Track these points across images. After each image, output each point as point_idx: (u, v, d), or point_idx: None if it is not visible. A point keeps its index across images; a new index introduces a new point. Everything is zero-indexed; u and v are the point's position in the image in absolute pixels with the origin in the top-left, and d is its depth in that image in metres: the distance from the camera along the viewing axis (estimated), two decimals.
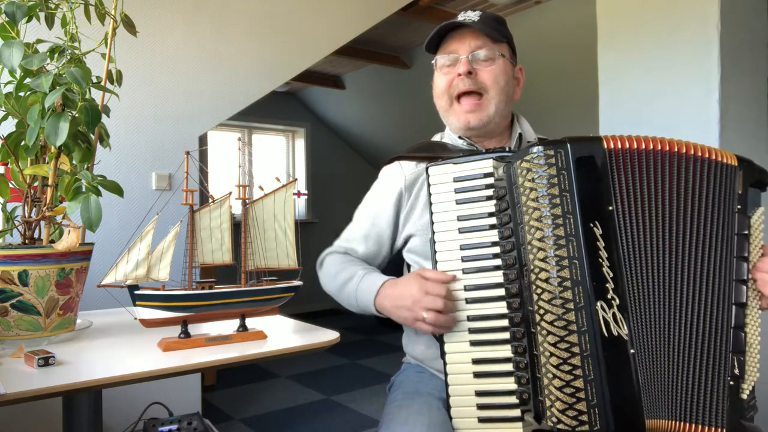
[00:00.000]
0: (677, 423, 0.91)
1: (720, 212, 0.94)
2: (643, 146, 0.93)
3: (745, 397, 0.92)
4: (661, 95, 1.91)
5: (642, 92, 1.97)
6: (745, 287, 0.94)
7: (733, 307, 0.93)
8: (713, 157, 0.94)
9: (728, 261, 0.93)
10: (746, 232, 0.94)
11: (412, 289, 1.00)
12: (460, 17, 1.17)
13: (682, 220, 0.93)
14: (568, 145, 0.92)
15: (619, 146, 0.92)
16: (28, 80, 1.05)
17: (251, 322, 1.15)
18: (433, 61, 1.22)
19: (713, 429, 0.91)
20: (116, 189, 1.09)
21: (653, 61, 1.93)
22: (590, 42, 2.19)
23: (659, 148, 0.93)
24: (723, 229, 0.93)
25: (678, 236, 0.92)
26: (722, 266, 0.93)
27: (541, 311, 0.91)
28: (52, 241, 1.08)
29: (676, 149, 0.93)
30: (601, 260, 0.89)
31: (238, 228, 1.09)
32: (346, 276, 1.18)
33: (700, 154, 0.94)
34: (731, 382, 0.91)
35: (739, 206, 0.94)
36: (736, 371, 0.91)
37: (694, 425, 0.91)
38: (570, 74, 3.48)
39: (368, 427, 2.78)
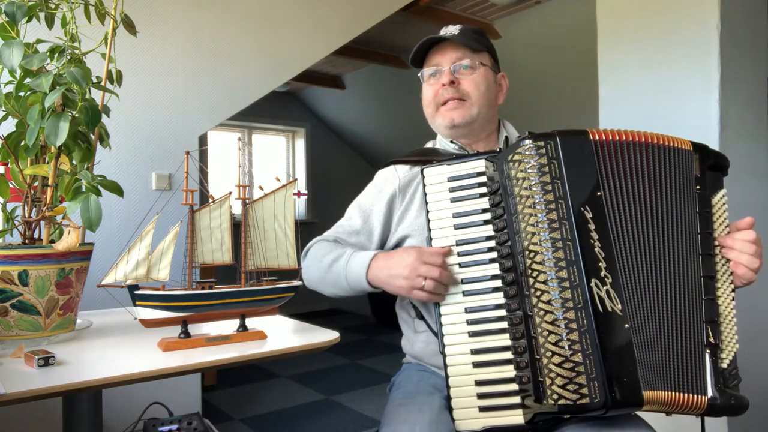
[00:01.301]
0: (670, 393, 0.94)
1: (682, 193, 1.01)
2: (623, 138, 1.00)
3: (725, 366, 0.97)
4: (661, 95, 1.91)
5: (642, 92, 1.97)
6: (712, 260, 1.01)
7: (702, 279, 0.99)
8: (671, 144, 1.02)
9: (693, 237, 1.01)
10: (709, 209, 1.02)
11: (409, 258, 1.04)
12: (442, 32, 1.26)
13: (656, 202, 1.00)
14: (557, 137, 0.98)
15: (603, 137, 1.00)
16: (28, 80, 1.05)
17: (251, 322, 1.15)
18: (419, 74, 1.30)
19: (696, 396, 0.94)
20: (116, 189, 1.09)
21: (653, 61, 1.93)
22: (590, 42, 2.19)
23: (635, 139, 1.01)
24: (687, 208, 1.01)
25: (654, 217, 0.99)
26: (689, 242, 1.00)
27: (538, 293, 0.95)
28: (52, 241, 1.08)
29: (647, 140, 1.01)
30: (592, 241, 0.95)
31: (238, 228, 1.09)
32: (334, 256, 1.18)
33: (662, 142, 1.02)
34: (708, 351, 0.96)
35: (698, 186, 1.02)
36: (712, 340, 0.97)
37: (681, 394, 0.94)
38: (570, 74, 3.48)
39: (368, 427, 2.78)
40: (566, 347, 0.91)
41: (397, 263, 1.06)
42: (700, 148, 1.04)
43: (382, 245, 1.28)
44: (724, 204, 1.03)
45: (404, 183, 1.26)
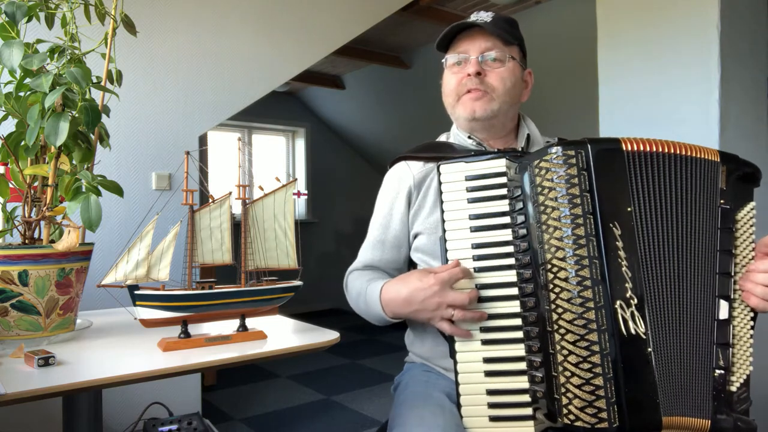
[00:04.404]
0: (687, 418, 0.92)
1: (705, 207, 0.96)
2: (654, 148, 0.95)
3: (734, 389, 0.93)
4: (661, 95, 1.91)
5: (642, 92, 1.97)
6: (730, 281, 0.96)
7: (718, 299, 0.95)
8: (697, 154, 0.97)
9: (713, 255, 0.96)
10: (731, 226, 0.97)
11: (431, 287, 0.97)
12: (473, 17, 1.18)
13: (681, 218, 0.95)
14: (589, 146, 0.93)
15: (635, 148, 0.94)
16: (28, 80, 1.05)
17: (251, 322, 1.15)
18: (443, 60, 1.22)
19: (700, 420, 0.92)
20: (116, 189, 1.09)
21: (653, 60, 1.93)
22: (590, 42, 2.19)
23: (665, 150, 0.95)
24: (709, 224, 0.96)
25: (679, 233, 0.95)
26: (709, 260, 0.96)
27: (560, 310, 0.91)
28: (52, 241, 1.08)
29: (674, 150, 0.96)
30: (620, 260, 0.91)
31: (238, 228, 1.09)
32: (357, 290, 1.17)
33: (689, 153, 0.97)
34: (716, 374, 0.93)
35: (722, 200, 0.97)
36: (721, 362, 0.93)
37: (690, 418, 0.92)
38: (570, 74, 3.48)
39: (368, 427, 2.78)
40: (587, 369, 0.89)
41: (417, 295, 1.00)
42: (728, 159, 0.98)
43: (409, 248, 1.24)
44: (751, 218, 0.98)
45: (419, 179, 1.20)
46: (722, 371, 0.93)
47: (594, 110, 2.12)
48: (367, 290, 1.13)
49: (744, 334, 0.95)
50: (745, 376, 0.94)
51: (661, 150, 0.95)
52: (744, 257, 0.98)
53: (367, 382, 3.51)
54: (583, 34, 2.76)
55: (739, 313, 0.96)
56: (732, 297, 0.96)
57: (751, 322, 0.96)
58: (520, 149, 1.02)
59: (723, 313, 0.95)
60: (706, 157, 0.97)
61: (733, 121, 1.82)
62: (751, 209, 0.98)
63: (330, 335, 1.14)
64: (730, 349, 0.94)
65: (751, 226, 0.98)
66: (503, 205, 0.98)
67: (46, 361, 0.89)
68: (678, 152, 0.96)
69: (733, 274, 0.96)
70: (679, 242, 0.95)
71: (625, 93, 2.01)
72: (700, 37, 1.80)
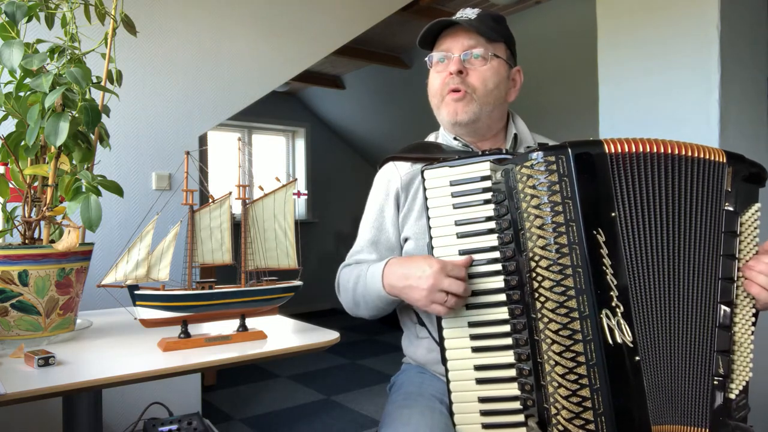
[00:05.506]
0: (679, 427, 0.91)
1: (707, 210, 0.93)
2: (641, 149, 0.91)
3: (733, 396, 0.92)
4: (661, 95, 1.91)
5: (642, 92, 1.97)
6: (732, 286, 0.93)
7: (719, 306, 0.93)
8: (700, 155, 0.93)
9: (715, 259, 0.93)
10: (735, 230, 0.94)
11: (430, 269, 0.95)
12: (458, 15, 1.17)
13: (677, 223, 0.92)
14: (569, 151, 0.89)
15: (620, 150, 0.91)
16: (28, 80, 1.05)
17: (251, 322, 1.15)
18: (427, 58, 1.21)
19: (697, 429, 0.91)
20: (116, 189, 1.09)
21: (653, 61, 1.93)
22: (590, 42, 2.19)
23: (655, 150, 0.92)
24: (711, 228, 0.93)
25: (674, 239, 0.92)
26: (710, 265, 0.93)
27: (545, 320, 0.90)
28: (52, 241, 1.08)
29: (669, 150, 0.92)
30: (604, 268, 0.88)
31: (238, 228, 1.09)
32: (356, 275, 1.15)
33: (690, 153, 0.93)
34: (715, 381, 0.91)
35: (726, 203, 0.93)
36: (721, 370, 0.91)
37: (686, 427, 0.91)
38: (570, 74, 3.48)
39: (368, 427, 2.78)
40: (573, 380, 0.88)
41: (414, 272, 0.98)
42: (734, 159, 0.94)
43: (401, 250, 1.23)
44: (756, 220, 0.95)
45: (406, 181, 1.20)
46: (721, 378, 0.91)
47: (594, 110, 2.12)
48: (369, 269, 1.11)
49: (745, 340, 0.93)
50: (744, 383, 0.92)
51: (650, 150, 0.91)
52: (747, 261, 0.95)
53: (367, 382, 3.51)
54: (583, 35, 2.76)
55: (740, 319, 0.93)
56: (734, 302, 0.93)
57: (752, 328, 0.94)
58: (505, 150, 0.99)
59: (724, 319, 0.92)
60: (710, 157, 0.93)
61: (733, 121, 1.82)
62: (756, 211, 0.95)
63: (330, 335, 1.14)
64: (731, 356, 0.92)
65: (756, 228, 0.95)
66: (488, 210, 0.96)
67: (46, 361, 0.89)
68: (674, 152, 0.92)
69: (735, 279, 0.94)
70: (674, 247, 0.92)
71: (625, 93, 2.01)
72: (700, 38, 1.80)
